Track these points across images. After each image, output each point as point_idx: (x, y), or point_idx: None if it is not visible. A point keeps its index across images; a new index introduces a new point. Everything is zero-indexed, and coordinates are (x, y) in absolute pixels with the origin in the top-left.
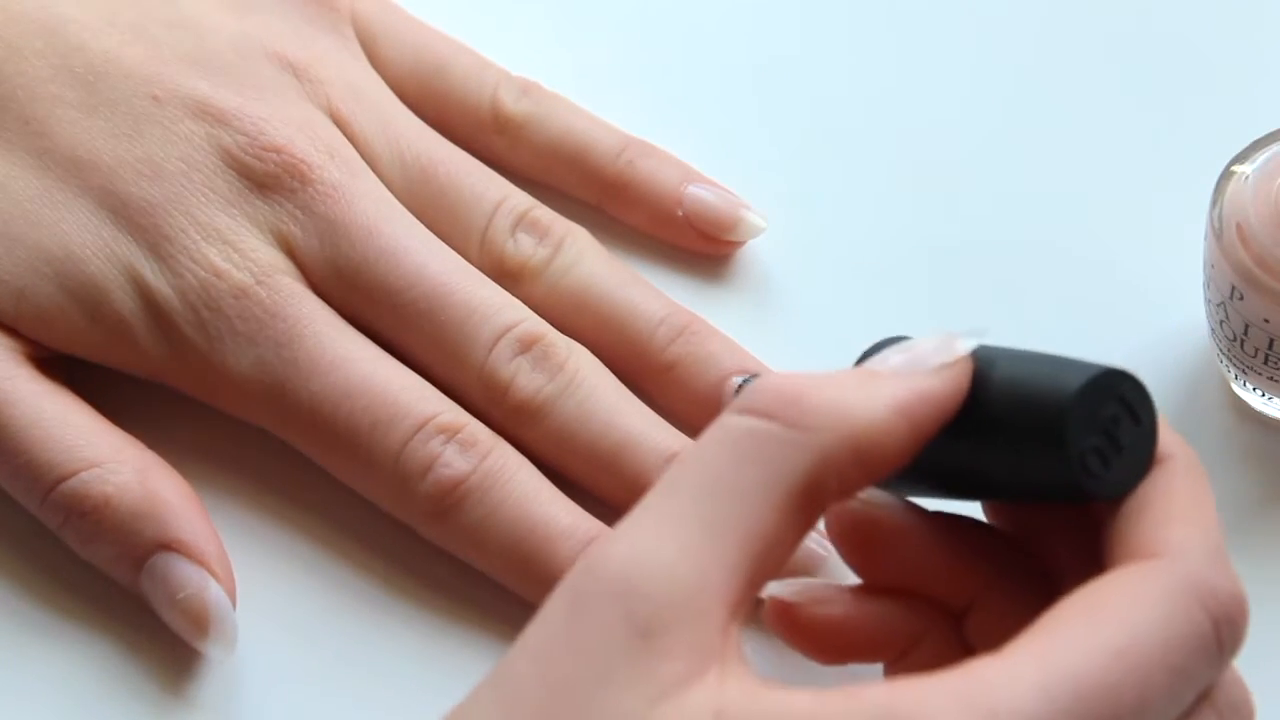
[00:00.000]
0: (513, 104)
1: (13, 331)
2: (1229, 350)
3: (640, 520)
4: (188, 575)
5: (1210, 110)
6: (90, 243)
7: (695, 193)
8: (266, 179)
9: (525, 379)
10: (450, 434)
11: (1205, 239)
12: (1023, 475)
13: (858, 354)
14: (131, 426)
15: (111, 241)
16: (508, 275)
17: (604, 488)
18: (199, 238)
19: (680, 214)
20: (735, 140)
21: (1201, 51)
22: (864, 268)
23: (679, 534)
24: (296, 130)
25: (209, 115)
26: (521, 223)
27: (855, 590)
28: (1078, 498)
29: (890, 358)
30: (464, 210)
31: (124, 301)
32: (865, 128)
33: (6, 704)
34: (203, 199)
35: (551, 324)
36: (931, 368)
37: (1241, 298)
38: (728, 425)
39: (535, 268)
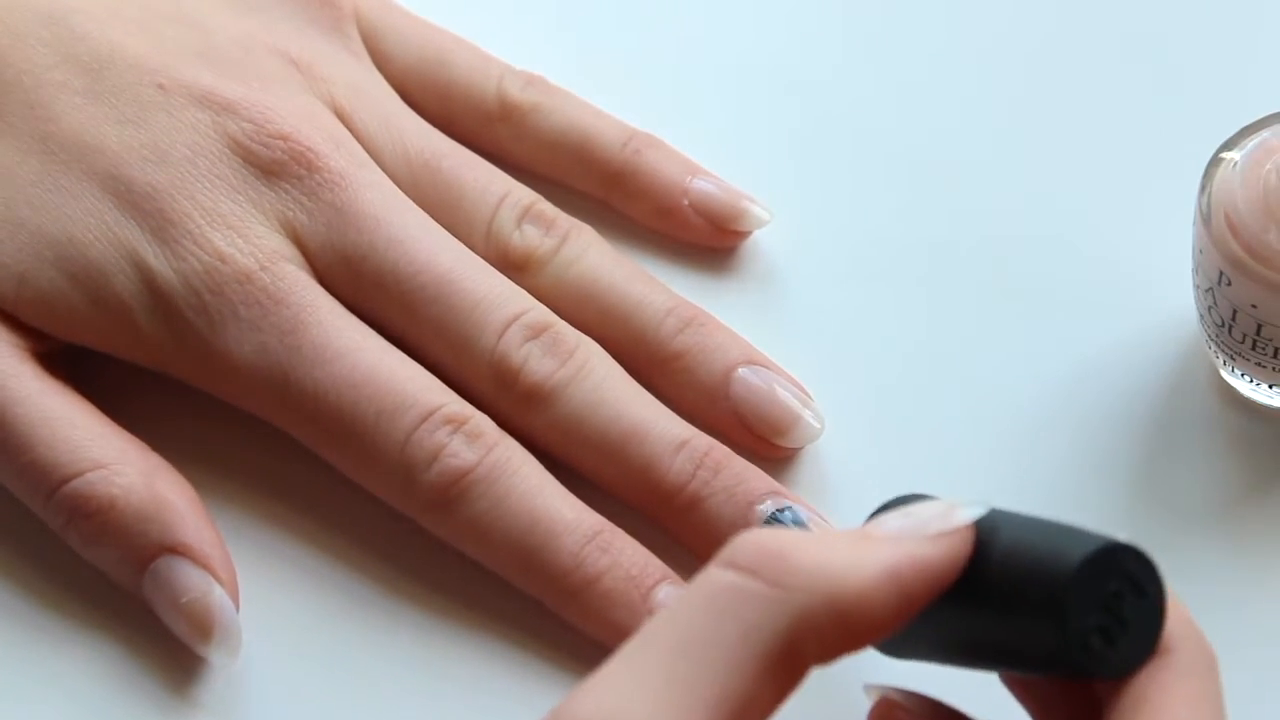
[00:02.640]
0: (518, 93)
1: (15, 325)
2: (1217, 336)
3: (613, 672)
4: (192, 579)
5: (1198, 97)
6: (93, 227)
7: (700, 184)
8: (273, 166)
9: (536, 364)
10: (457, 425)
11: (1193, 225)
12: (1023, 649)
13: (860, 352)
14: (134, 429)
15: (115, 226)
16: (513, 266)
17: (610, 476)
18: (203, 222)
19: (686, 203)
20: (738, 137)
21: (1189, 39)
22: (864, 262)
23: (650, 691)
24: (302, 119)
25: (215, 104)
26: (527, 215)
27: None
28: (1080, 675)
29: (888, 521)
30: (468, 203)
31: (126, 286)
32: (864, 124)
33: (8, 706)
34: (208, 185)
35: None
36: (929, 534)
37: (1229, 283)
38: (710, 578)
39: (541, 258)
